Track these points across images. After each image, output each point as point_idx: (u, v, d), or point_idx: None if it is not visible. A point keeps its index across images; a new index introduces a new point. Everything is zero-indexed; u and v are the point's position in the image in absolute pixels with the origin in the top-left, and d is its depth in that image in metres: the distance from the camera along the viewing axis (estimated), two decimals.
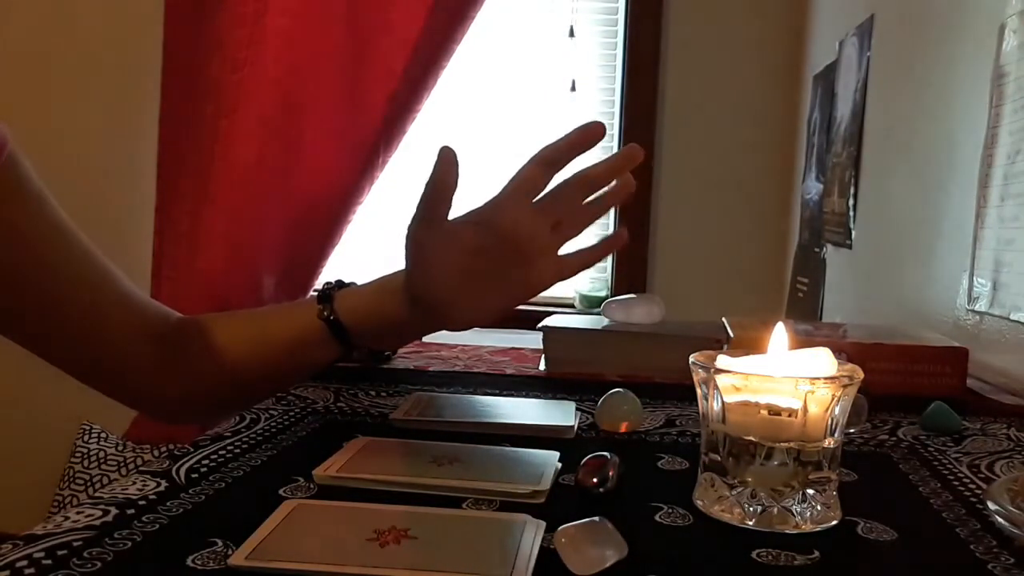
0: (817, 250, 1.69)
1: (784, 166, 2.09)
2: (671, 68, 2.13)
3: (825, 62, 1.74)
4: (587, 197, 0.68)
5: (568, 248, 0.69)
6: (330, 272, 1.57)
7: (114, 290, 0.70)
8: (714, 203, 2.15)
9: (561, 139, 0.65)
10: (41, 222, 0.65)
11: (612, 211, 2.15)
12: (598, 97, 2.19)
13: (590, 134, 0.64)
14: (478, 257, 0.65)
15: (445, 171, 0.61)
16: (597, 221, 0.70)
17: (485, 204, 0.66)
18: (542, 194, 0.66)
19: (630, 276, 2.16)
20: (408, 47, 1.50)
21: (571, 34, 2.15)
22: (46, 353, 0.69)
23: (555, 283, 0.68)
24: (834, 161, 1.61)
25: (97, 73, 2.15)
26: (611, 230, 2.18)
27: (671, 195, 2.15)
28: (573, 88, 2.16)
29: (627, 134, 2.13)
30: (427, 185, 0.62)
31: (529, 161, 0.65)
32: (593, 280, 2.22)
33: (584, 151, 0.65)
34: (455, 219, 0.65)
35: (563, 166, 0.66)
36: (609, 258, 2.20)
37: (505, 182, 0.65)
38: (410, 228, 0.64)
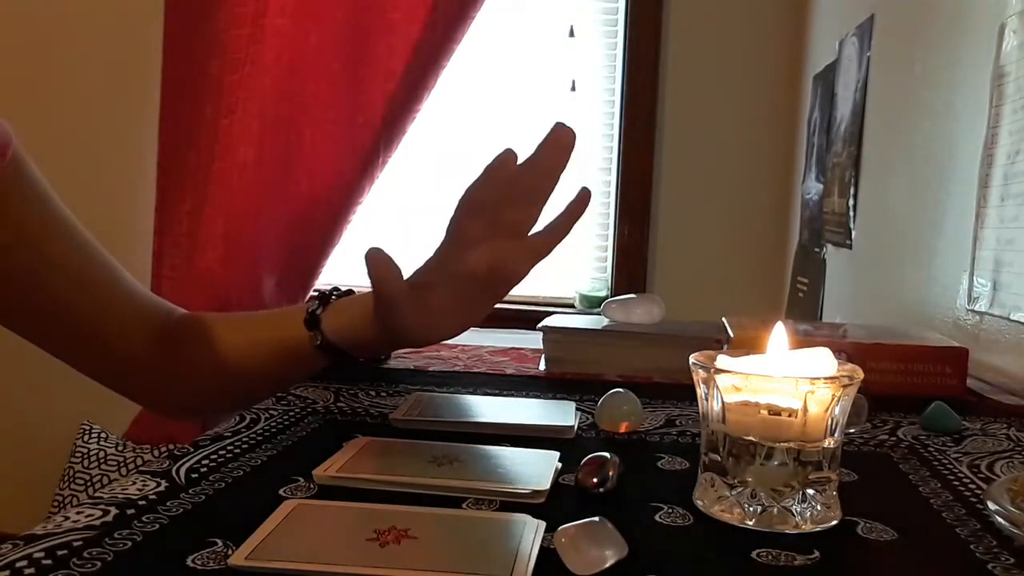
0: (817, 250, 1.69)
1: (784, 166, 2.09)
2: (671, 68, 2.13)
3: (825, 62, 1.74)
4: (532, 184, 0.66)
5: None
6: (330, 272, 1.58)
7: (118, 286, 0.71)
8: (714, 203, 2.15)
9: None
10: (46, 220, 0.66)
11: (612, 208, 2.16)
12: (598, 97, 2.19)
13: (506, 161, 0.64)
14: (447, 294, 0.66)
15: (382, 273, 0.62)
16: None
17: (442, 244, 0.66)
18: (491, 206, 0.65)
19: (630, 276, 2.16)
20: (408, 47, 1.50)
21: (571, 34, 2.15)
22: (51, 348, 0.70)
23: (533, 267, 0.67)
24: (834, 161, 1.60)
25: (97, 73, 2.14)
26: (610, 226, 2.18)
27: (671, 195, 2.15)
28: (573, 88, 2.17)
29: (627, 134, 2.13)
30: (372, 283, 0.63)
31: (472, 184, 0.64)
32: (593, 280, 2.22)
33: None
34: (414, 274, 0.66)
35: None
36: (609, 258, 2.20)
37: (451, 210, 0.65)
38: (374, 294, 0.65)
